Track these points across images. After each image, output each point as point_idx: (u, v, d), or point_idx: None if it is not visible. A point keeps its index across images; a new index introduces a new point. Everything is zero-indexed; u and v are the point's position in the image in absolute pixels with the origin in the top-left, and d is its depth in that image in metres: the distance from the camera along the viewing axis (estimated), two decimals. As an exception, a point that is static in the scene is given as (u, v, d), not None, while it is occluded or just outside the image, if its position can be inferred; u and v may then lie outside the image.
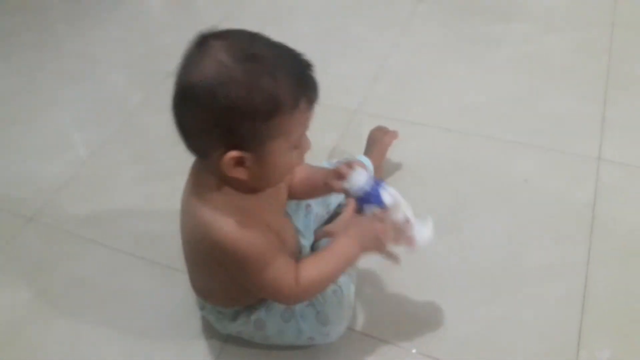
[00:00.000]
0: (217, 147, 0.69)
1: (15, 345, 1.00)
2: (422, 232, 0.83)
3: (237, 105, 0.65)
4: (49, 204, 1.25)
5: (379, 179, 0.85)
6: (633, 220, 1.10)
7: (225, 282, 0.83)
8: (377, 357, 0.93)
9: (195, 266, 0.89)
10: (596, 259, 1.03)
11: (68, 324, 1.03)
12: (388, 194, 0.82)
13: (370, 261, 1.05)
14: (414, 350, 0.93)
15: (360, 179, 0.81)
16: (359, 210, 0.83)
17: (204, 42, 0.68)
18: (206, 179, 0.75)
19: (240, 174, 0.71)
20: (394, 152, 1.24)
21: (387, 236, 0.80)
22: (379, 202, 0.81)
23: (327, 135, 1.32)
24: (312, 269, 0.78)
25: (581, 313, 0.96)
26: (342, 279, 0.92)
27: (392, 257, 0.82)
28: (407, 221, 0.81)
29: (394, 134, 1.21)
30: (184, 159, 1.31)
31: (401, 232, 0.81)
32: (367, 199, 0.81)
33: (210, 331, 0.97)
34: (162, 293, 1.05)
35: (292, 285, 0.77)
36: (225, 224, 0.72)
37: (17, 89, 1.59)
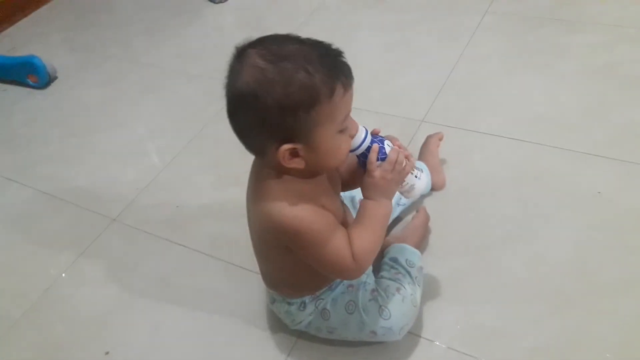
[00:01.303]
0: (270, 143, 0.75)
1: (102, 336, 1.08)
2: (421, 181, 0.90)
3: (279, 102, 0.71)
4: (131, 206, 1.33)
5: (380, 136, 0.87)
6: None
7: (293, 268, 0.88)
8: (445, 363, 0.94)
9: (264, 258, 0.94)
10: (674, 274, 1.00)
11: (149, 318, 1.09)
12: (388, 146, 0.85)
13: (436, 270, 1.07)
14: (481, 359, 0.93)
15: (360, 136, 0.83)
16: (363, 166, 0.86)
17: (242, 52, 0.74)
18: (266, 174, 0.81)
19: (297, 164, 0.77)
20: (462, 163, 1.25)
21: (397, 167, 0.84)
22: (381, 154, 0.84)
23: (394, 144, 1.34)
24: (360, 239, 0.82)
25: (659, 328, 0.94)
26: (406, 280, 0.95)
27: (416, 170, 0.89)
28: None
29: (438, 135, 1.26)
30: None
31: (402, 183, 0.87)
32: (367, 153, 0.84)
33: (282, 328, 1.01)
34: (236, 292, 1.10)
35: (351, 258, 0.81)
36: (283, 207, 0.78)
37: (102, 99, 1.71)
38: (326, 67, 0.73)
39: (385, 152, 0.83)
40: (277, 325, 1.02)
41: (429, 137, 1.28)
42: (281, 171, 0.79)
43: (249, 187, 0.89)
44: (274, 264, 0.93)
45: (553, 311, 0.98)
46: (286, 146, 0.75)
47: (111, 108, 1.67)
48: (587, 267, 1.04)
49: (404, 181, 0.87)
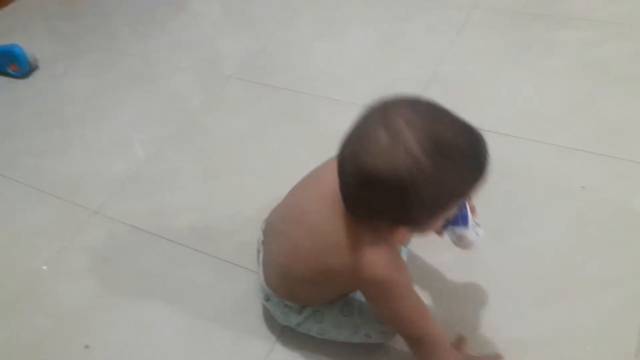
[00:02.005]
0: (386, 220, 0.72)
1: (82, 330, 1.06)
2: (480, 235, 0.89)
3: (424, 200, 0.67)
4: (114, 199, 1.31)
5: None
6: (698, 231, 1.07)
7: (314, 295, 0.89)
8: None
9: (292, 280, 0.88)
10: (658, 269, 1.01)
11: (131, 312, 1.07)
12: (469, 212, 0.86)
13: (423, 264, 1.07)
14: (466, 352, 0.93)
15: None
16: (440, 232, 0.87)
17: (388, 121, 0.66)
18: (356, 226, 0.76)
19: (399, 238, 0.73)
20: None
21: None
22: (465, 222, 0.86)
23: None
24: (435, 334, 0.84)
25: (641, 323, 0.94)
26: None
27: None
28: (475, 230, 0.88)
29: None
30: (241, 160, 1.38)
31: (464, 241, 0.88)
32: (456, 220, 0.86)
33: (267, 323, 1.00)
34: (220, 286, 1.09)
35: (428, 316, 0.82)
36: (377, 259, 0.76)
37: (86, 89, 1.68)
38: (477, 172, 0.70)
39: (466, 217, 0.86)
40: (262, 319, 1.01)
41: None
42: (375, 232, 0.75)
43: (325, 208, 0.80)
44: (301, 288, 0.89)
45: (535, 304, 0.99)
46: (402, 229, 0.72)
47: (95, 99, 1.64)
48: (570, 262, 1.04)
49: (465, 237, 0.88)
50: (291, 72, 1.59)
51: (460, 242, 0.89)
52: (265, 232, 0.97)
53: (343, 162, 0.71)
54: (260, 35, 1.75)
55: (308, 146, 1.35)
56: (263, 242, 0.97)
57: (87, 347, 1.03)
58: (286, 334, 0.99)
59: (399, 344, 0.93)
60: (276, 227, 0.93)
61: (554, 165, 1.23)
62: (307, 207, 0.84)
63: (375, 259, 0.76)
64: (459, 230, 0.86)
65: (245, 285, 1.06)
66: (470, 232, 0.87)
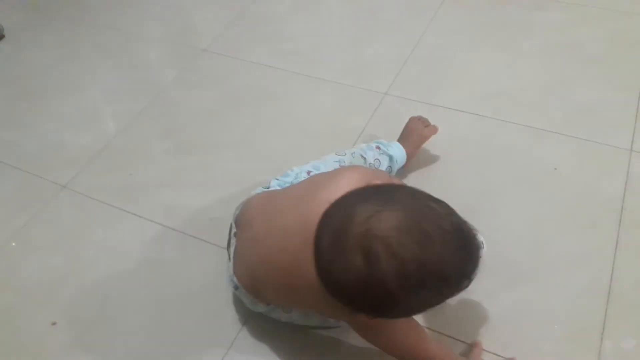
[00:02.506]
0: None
1: (49, 306, 1.04)
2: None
3: (394, 314, 0.67)
4: (82, 173, 1.28)
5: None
6: (663, 213, 1.09)
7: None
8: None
9: (264, 282, 0.85)
10: (623, 251, 1.03)
11: (99, 288, 1.06)
12: None
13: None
14: (433, 330, 0.94)
15: None
16: None
17: (368, 245, 0.59)
18: None
19: None
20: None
21: None
22: None
23: (355, 117, 1.32)
24: (436, 354, 0.82)
25: (606, 303, 0.96)
26: None
27: None
28: None
29: (433, 129, 1.17)
30: (213, 136, 1.36)
31: None
32: None
33: (237, 303, 1.00)
34: (190, 263, 1.08)
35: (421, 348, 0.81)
36: None
37: (55, 60, 1.62)
38: (460, 283, 0.65)
39: None
40: (232, 299, 1.01)
41: (423, 126, 1.18)
42: None
43: (287, 237, 0.78)
44: (271, 296, 0.87)
45: (505, 284, 1.00)
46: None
47: (64, 70, 1.59)
48: (540, 242, 1.06)
49: None
50: (267, 47, 1.56)
51: None
52: (240, 223, 0.93)
53: (317, 261, 0.65)
54: (236, 8, 1.71)
55: (283, 123, 1.34)
56: (236, 234, 0.93)
57: (54, 323, 1.01)
58: (255, 316, 0.98)
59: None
60: (254, 225, 0.88)
61: (526, 147, 1.23)
62: (292, 230, 0.77)
63: None
64: None
65: (215, 263, 1.05)
66: None
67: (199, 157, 1.29)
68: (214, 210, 1.15)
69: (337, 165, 1.02)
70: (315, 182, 0.86)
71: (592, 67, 1.41)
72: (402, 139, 1.17)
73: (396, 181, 0.89)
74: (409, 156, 1.14)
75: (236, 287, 0.93)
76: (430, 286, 0.61)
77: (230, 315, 0.99)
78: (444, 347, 0.86)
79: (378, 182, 0.71)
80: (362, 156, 1.06)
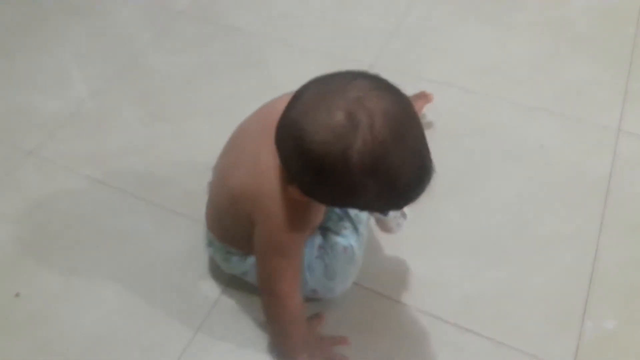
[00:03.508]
0: (293, 181, 0.69)
1: (12, 277, 0.99)
2: (401, 226, 0.91)
3: (330, 193, 0.66)
4: (50, 139, 1.22)
5: None
6: (649, 194, 1.07)
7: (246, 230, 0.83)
8: (379, 313, 0.92)
9: (222, 211, 0.85)
10: (608, 231, 1.01)
11: (66, 260, 1.01)
12: None
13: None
14: (416, 308, 0.92)
15: None
16: None
17: (354, 109, 0.61)
18: (275, 168, 0.73)
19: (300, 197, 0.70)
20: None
21: None
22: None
23: (339, 87, 1.28)
24: (295, 306, 0.81)
25: (589, 283, 0.95)
26: (354, 238, 0.89)
27: None
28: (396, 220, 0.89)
29: (428, 97, 1.15)
30: (189, 103, 1.30)
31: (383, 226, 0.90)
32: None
33: (212, 273, 0.96)
34: (162, 235, 1.03)
35: (287, 287, 0.79)
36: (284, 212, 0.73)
37: (22, 19, 1.53)
38: (399, 200, 0.68)
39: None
40: (206, 271, 0.97)
41: (416, 97, 1.15)
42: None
43: (260, 143, 0.76)
44: (231, 221, 0.85)
45: (490, 262, 0.98)
46: (301, 195, 0.69)
47: (31, 30, 1.50)
48: (525, 220, 1.04)
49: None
50: (247, 12, 1.50)
51: (380, 225, 0.91)
52: (214, 171, 0.92)
53: (287, 115, 0.66)
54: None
55: (261, 91, 1.27)
56: (209, 182, 0.93)
57: (17, 295, 0.97)
58: (231, 288, 0.95)
59: (346, 301, 0.91)
60: (217, 165, 0.89)
61: (513, 123, 1.21)
62: (248, 134, 0.81)
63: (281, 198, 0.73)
64: (377, 216, 0.88)
65: (189, 236, 1.01)
66: (389, 221, 0.89)
67: (174, 125, 1.23)
68: (187, 181, 1.10)
69: None
70: (275, 103, 0.83)
71: (582, 44, 1.39)
72: None
73: None
74: None
75: (209, 244, 0.91)
76: (379, 181, 0.62)
77: (203, 289, 0.95)
78: (301, 307, 0.83)
79: None
80: None
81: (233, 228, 0.85)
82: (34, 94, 1.32)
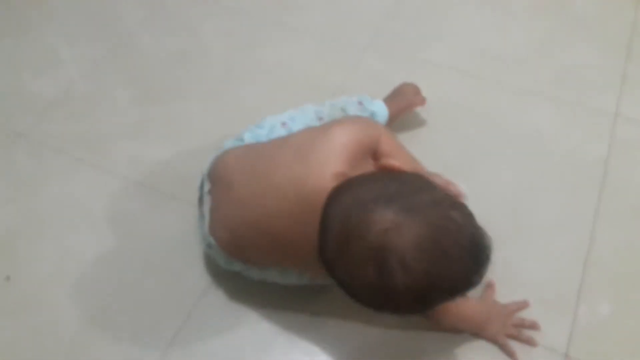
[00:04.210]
0: None
1: (2, 260, 0.98)
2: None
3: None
4: (40, 121, 1.20)
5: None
6: (645, 178, 1.07)
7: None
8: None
9: (250, 248, 0.83)
10: (604, 215, 1.01)
11: (57, 242, 1.00)
12: None
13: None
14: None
15: None
16: None
17: (383, 258, 0.59)
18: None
19: None
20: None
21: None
22: None
23: (333, 71, 1.26)
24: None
25: (584, 267, 0.94)
26: None
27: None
28: None
29: (423, 100, 1.12)
30: (180, 84, 1.27)
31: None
32: None
33: (204, 260, 0.95)
34: (153, 218, 1.02)
35: None
36: None
37: (10, -2, 1.50)
38: (466, 289, 0.66)
39: None
40: (197, 256, 0.96)
41: (414, 93, 1.13)
42: None
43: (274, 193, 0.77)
44: (253, 254, 0.84)
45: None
46: None
47: (19, 8, 1.46)
48: (520, 205, 1.03)
49: None
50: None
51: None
52: (216, 180, 0.87)
53: (321, 245, 0.65)
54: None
55: (255, 73, 1.26)
56: (210, 191, 0.88)
57: (8, 278, 0.96)
58: (221, 274, 0.94)
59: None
60: (234, 184, 0.83)
61: (509, 107, 1.19)
62: (286, 195, 0.75)
63: None
64: None
65: (181, 219, 1.00)
66: None
67: (165, 107, 1.21)
68: (179, 163, 1.09)
69: (314, 117, 0.96)
70: (303, 139, 0.81)
71: (580, 27, 1.37)
72: (389, 99, 1.11)
73: (403, 155, 0.86)
74: (391, 118, 1.08)
75: (210, 246, 0.89)
76: (437, 296, 0.64)
77: (197, 273, 0.95)
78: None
79: (388, 161, 0.70)
80: (343, 109, 1.00)
81: (258, 256, 0.84)
82: (24, 75, 1.30)
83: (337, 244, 0.63)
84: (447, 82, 1.25)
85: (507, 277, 0.93)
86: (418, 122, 1.16)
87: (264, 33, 1.36)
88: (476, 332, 0.86)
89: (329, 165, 0.72)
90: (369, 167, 0.78)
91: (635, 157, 1.10)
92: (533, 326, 0.87)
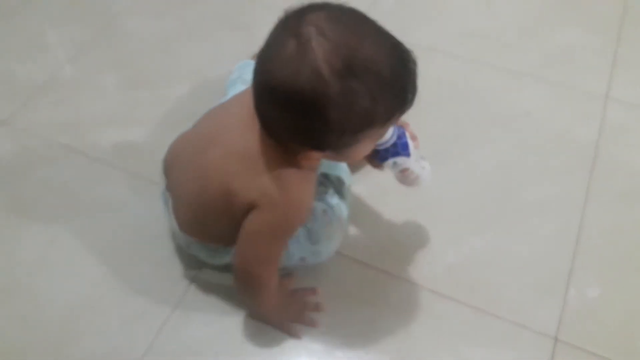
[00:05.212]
0: (297, 143, 0.67)
1: (-15, 250, 0.96)
2: (426, 170, 0.84)
3: (330, 122, 0.61)
4: (24, 107, 1.17)
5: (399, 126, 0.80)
6: (635, 161, 1.06)
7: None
8: (361, 281, 0.91)
9: (209, 209, 0.80)
10: (594, 198, 1.01)
11: (41, 231, 0.98)
12: (410, 140, 0.79)
13: (361, 188, 1.02)
14: (400, 277, 0.91)
15: (388, 133, 0.76)
16: (379, 164, 0.81)
17: (300, 29, 0.59)
18: (273, 151, 0.70)
19: (314, 162, 0.68)
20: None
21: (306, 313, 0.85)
22: (406, 151, 0.78)
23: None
24: (272, 285, 0.79)
25: (574, 251, 0.94)
26: (334, 201, 0.88)
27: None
28: (420, 164, 0.82)
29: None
30: (168, 68, 1.25)
31: (409, 175, 0.82)
32: (395, 150, 0.78)
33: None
34: (141, 205, 1.01)
35: (261, 268, 0.77)
36: (295, 193, 0.72)
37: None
38: (395, 92, 0.63)
39: (406, 146, 0.78)
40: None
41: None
42: (290, 155, 0.69)
43: (231, 135, 0.75)
44: (214, 224, 0.81)
45: (474, 230, 0.97)
46: (315, 154, 0.67)
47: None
48: (511, 187, 1.03)
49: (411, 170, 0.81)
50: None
51: (405, 177, 0.83)
52: (169, 171, 0.88)
53: (255, 71, 0.64)
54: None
55: (244, 55, 1.24)
56: (167, 186, 0.87)
57: (-7, 267, 0.94)
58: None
59: (329, 270, 0.90)
60: (183, 160, 0.84)
61: (500, 89, 1.18)
62: (223, 127, 0.76)
63: (294, 191, 0.71)
64: (401, 160, 0.80)
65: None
66: (412, 163, 0.81)
67: (153, 91, 1.19)
68: (166, 149, 1.07)
69: None
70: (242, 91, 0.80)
71: (571, 8, 1.36)
72: None
73: None
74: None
75: (188, 246, 0.88)
76: (363, 79, 0.59)
77: (184, 262, 0.93)
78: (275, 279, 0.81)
79: None
80: None
81: (219, 225, 0.81)
82: (7, 60, 1.27)
83: (266, 44, 0.64)
84: (435, 64, 1.23)
85: (495, 260, 0.93)
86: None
87: (252, 14, 1.34)
88: (263, 315, 0.85)
89: None
90: None
91: (626, 139, 1.09)
92: (317, 308, 0.86)
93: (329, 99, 0.59)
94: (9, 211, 1.01)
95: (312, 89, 0.59)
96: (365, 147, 0.70)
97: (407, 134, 0.80)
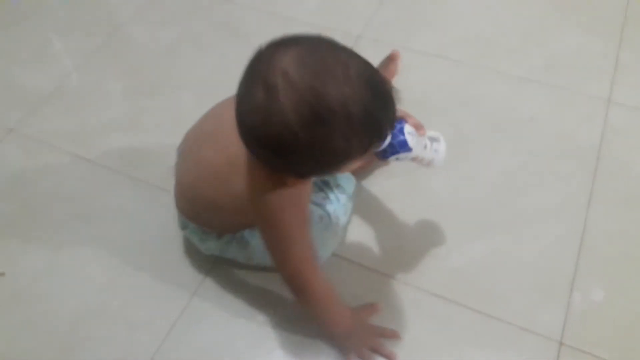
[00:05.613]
0: (280, 171, 0.67)
1: (-6, 257, 0.97)
2: (439, 152, 0.82)
3: (305, 163, 0.62)
4: (32, 115, 1.19)
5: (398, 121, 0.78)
6: (639, 165, 1.06)
7: (230, 220, 0.84)
8: (366, 286, 0.92)
9: (197, 203, 0.84)
10: (597, 202, 1.01)
11: (49, 238, 1.00)
12: (409, 134, 0.76)
13: (366, 193, 1.02)
14: (404, 281, 0.92)
15: None
16: (383, 159, 0.79)
17: (268, 75, 0.58)
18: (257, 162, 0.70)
19: (301, 182, 0.69)
20: (397, 82, 1.18)
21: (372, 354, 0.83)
22: (405, 148, 0.76)
23: (327, 59, 1.25)
24: (320, 287, 0.78)
25: (577, 254, 0.94)
26: (332, 208, 0.89)
27: None
28: (430, 149, 0.81)
29: (396, 60, 1.10)
30: (173, 76, 1.27)
31: (421, 162, 0.81)
32: (393, 150, 0.76)
33: (198, 254, 0.95)
34: (147, 211, 1.02)
35: (297, 268, 0.76)
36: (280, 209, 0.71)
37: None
38: (369, 127, 0.61)
39: (407, 145, 0.75)
40: (193, 250, 0.95)
41: (389, 60, 1.11)
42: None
43: (219, 132, 0.79)
44: (207, 212, 0.83)
45: (478, 234, 0.97)
46: (294, 180, 0.67)
47: (9, 1, 1.46)
48: (514, 191, 1.03)
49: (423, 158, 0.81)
50: (233, -17, 1.46)
51: (418, 163, 0.82)
52: (178, 156, 0.92)
53: (236, 108, 0.64)
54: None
55: (246, 63, 1.25)
56: (175, 165, 0.91)
57: (2, 274, 0.95)
58: (217, 266, 0.94)
59: (333, 275, 0.91)
60: (185, 149, 0.88)
61: (503, 94, 1.19)
62: (221, 127, 0.77)
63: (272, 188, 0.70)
64: (402, 156, 0.78)
65: (173, 212, 0.99)
66: (419, 153, 0.79)
67: (158, 99, 1.21)
68: (173, 156, 1.07)
69: None
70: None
71: (573, 13, 1.36)
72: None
73: None
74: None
75: (184, 227, 0.90)
76: (332, 124, 0.58)
77: (190, 266, 0.94)
78: (331, 289, 0.80)
79: None
80: None
81: (209, 213, 0.84)
82: (15, 69, 1.29)
83: (239, 89, 0.63)
84: (439, 70, 1.24)
85: (499, 264, 0.94)
86: (409, 109, 1.15)
87: (256, 24, 1.36)
88: (338, 338, 0.84)
89: None
90: None
91: (628, 143, 1.10)
92: (394, 335, 0.85)
93: (300, 146, 0.59)
94: (18, 219, 1.03)
95: (282, 138, 0.58)
96: (351, 167, 0.69)
97: (406, 128, 0.77)
